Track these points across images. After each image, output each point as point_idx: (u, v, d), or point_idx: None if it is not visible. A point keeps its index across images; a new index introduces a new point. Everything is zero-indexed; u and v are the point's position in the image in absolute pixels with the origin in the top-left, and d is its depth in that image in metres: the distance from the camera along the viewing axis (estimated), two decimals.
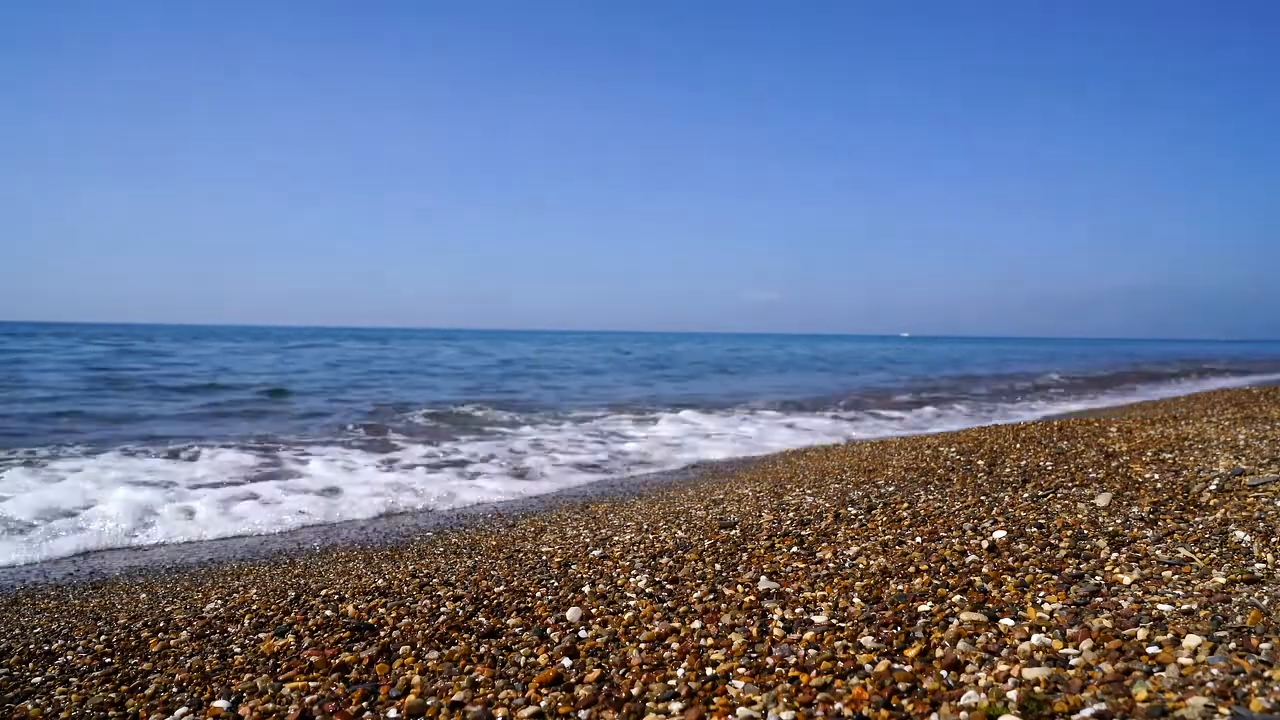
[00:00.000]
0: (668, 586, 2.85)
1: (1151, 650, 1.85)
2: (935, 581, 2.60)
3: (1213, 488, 3.66)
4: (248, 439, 8.65)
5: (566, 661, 2.17)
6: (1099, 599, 2.28)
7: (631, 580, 2.97)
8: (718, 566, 3.08)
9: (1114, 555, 2.73)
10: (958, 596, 2.43)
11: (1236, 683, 1.62)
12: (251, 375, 19.02)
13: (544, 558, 3.56)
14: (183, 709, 2.07)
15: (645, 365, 28.01)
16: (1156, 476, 4.16)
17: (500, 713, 1.89)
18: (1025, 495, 3.99)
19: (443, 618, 2.66)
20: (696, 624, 2.38)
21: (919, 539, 3.24)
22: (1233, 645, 1.81)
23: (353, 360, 26.87)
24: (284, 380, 17.47)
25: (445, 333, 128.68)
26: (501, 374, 21.93)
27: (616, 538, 3.92)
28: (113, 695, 2.20)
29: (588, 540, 3.94)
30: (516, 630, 2.48)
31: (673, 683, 1.96)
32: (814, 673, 1.94)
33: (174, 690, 2.21)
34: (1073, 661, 1.85)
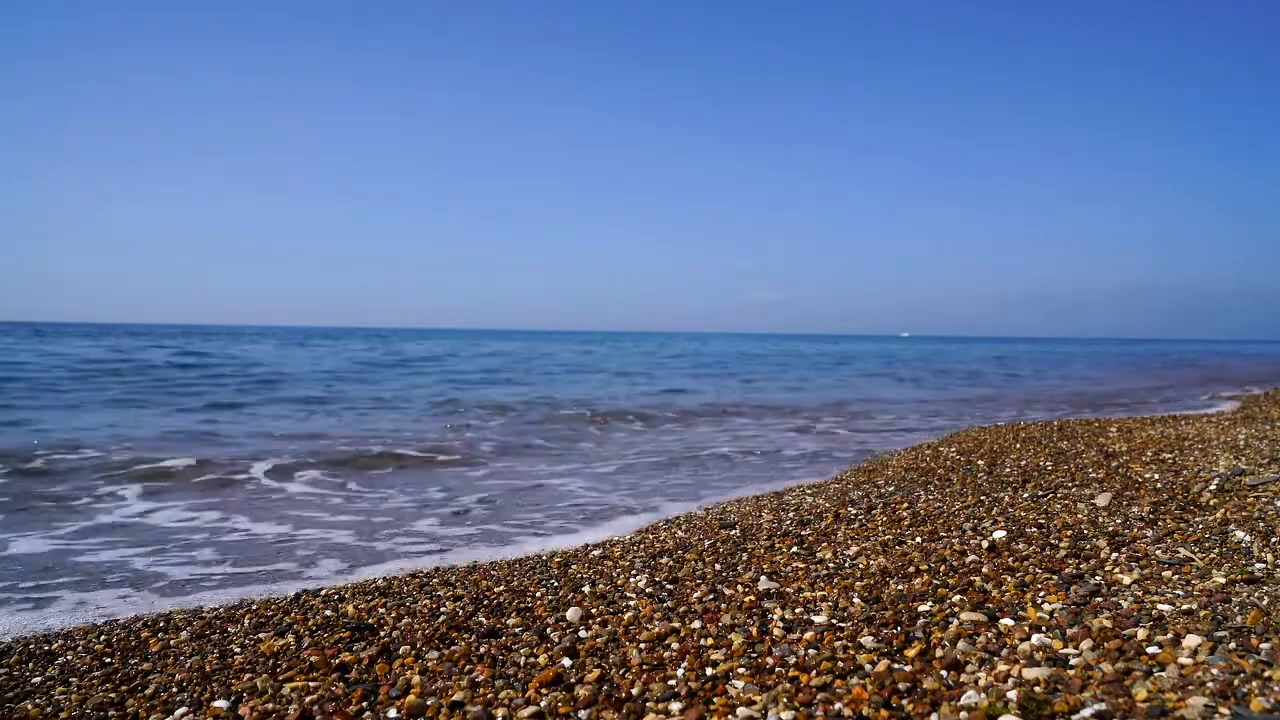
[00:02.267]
0: (668, 586, 2.85)
1: (1151, 650, 1.85)
2: (935, 581, 2.60)
3: (1213, 488, 3.66)
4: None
5: (566, 661, 2.17)
6: (1099, 599, 2.28)
7: (631, 580, 2.97)
8: (718, 566, 3.08)
9: (1114, 555, 2.73)
10: (958, 596, 2.43)
11: (1236, 683, 1.62)
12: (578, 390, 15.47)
13: (544, 558, 3.56)
14: (183, 709, 2.07)
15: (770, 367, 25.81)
16: (1156, 476, 4.16)
17: (500, 713, 1.89)
18: (1025, 495, 3.99)
19: (443, 618, 2.66)
20: (696, 624, 2.38)
21: (919, 539, 3.24)
22: (1233, 645, 1.81)
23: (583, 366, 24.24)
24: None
25: (452, 332, 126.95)
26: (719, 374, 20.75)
27: (616, 538, 3.92)
28: (113, 695, 2.20)
29: (588, 540, 3.95)
30: (516, 630, 2.48)
31: (673, 683, 1.96)
32: (814, 673, 1.94)
33: (174, 690, 2.20)
34: (1073, 661, 1.85)
